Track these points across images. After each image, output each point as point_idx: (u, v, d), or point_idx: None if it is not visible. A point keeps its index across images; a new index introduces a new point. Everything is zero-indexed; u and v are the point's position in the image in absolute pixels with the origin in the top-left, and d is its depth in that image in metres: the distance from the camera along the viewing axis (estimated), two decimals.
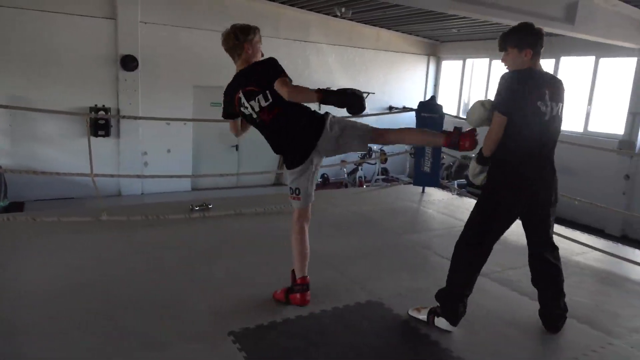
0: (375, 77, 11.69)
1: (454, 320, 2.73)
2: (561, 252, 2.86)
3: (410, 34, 11.83)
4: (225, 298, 3.07)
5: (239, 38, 2.83)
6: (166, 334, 2.62)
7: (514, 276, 3.62)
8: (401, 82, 12.20)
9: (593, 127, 9.53)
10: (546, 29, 8.13)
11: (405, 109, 9.70)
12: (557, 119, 2.65)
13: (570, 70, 9.78)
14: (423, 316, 2.84)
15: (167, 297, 3.05)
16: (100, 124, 8.64)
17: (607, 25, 7.48)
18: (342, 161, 10.72)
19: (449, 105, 12.41)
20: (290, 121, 2.78)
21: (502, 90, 2.56)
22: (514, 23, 2.79)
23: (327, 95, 2.67)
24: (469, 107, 2.71)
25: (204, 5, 9.29)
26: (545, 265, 2.80)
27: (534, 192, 2.67)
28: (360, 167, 11.02)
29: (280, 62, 2.82)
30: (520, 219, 2.78)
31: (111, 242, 3.99)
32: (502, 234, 2.75)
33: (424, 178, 6.00)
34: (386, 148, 11.26)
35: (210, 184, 9.81)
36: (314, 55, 10.62)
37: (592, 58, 9.36)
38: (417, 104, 5.92)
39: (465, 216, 2.85)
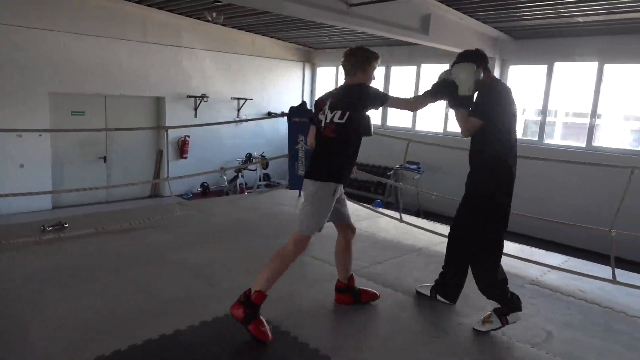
0: (253, 83, 11.66)
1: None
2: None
3: (285, 40, 12.01)
4: (85, 322, 2.79)
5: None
6: None
7: (380, 270, 3.83)
8: (279, 88, 12.33)
9: (451, 128, 10.54)
10: (406, 39, 8.61)
11: (283, 114, 9.79)
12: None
13: (429, 76, 10.72)
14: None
15: (6, 334, 2.69)
16: None
17: (456, 36, 8.32)
18: (221, 168, 10.52)
19: None
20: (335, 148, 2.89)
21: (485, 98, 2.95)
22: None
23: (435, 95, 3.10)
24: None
25: (62, 6, 8.44)
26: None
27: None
28: (240, 174, 10.89)
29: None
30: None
31: None
32: None
33: (299, 181, 6.09)
34: (266, 153, 11.31)
35: (75, 201, 8.93)
36: (188, 61, 10.24)
37: (447, 65, 10.35)
38: None
39: None
